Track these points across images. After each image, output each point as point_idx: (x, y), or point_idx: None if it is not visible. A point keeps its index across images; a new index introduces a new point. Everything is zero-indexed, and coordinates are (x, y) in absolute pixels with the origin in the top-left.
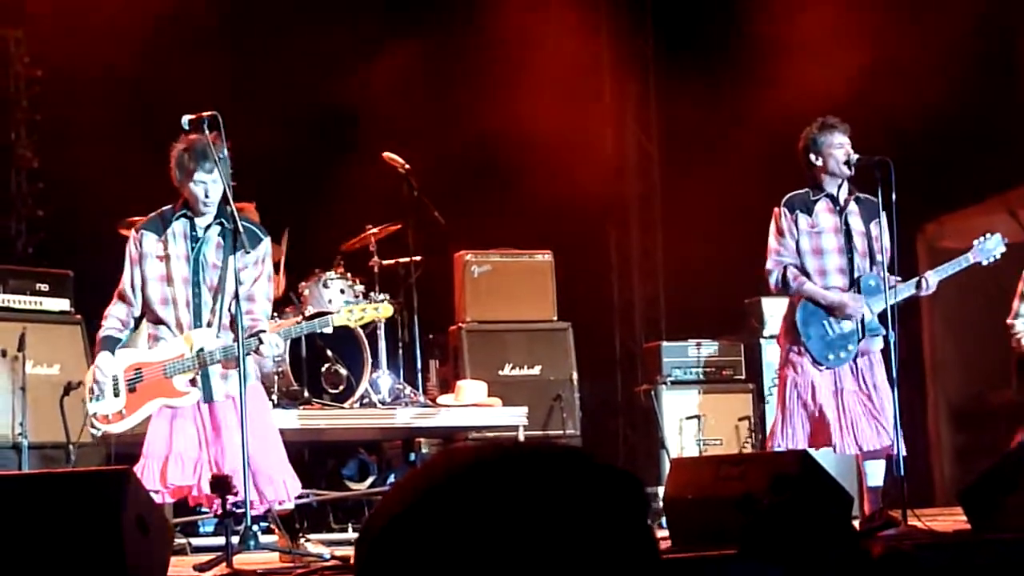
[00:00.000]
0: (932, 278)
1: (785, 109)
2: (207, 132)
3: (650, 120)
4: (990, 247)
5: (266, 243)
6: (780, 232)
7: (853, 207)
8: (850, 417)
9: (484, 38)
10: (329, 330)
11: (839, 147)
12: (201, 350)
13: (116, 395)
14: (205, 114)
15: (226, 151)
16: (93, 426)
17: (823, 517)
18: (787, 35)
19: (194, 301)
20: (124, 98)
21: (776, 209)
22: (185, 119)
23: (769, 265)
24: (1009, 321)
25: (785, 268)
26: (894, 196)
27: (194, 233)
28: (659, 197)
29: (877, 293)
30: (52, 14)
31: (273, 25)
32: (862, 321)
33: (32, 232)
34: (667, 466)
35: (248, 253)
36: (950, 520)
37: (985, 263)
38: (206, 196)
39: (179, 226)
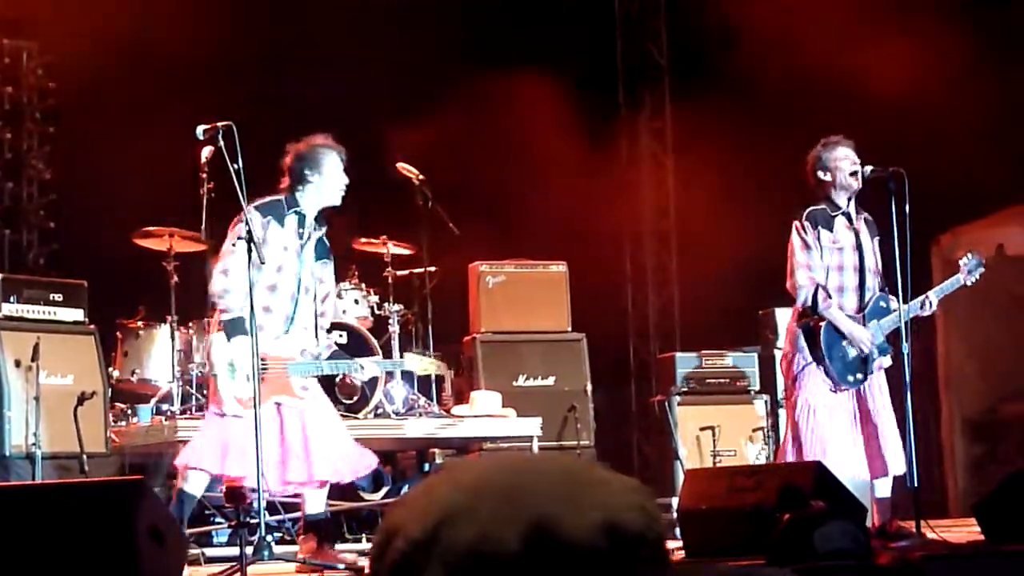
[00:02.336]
0: (933, 297)
1: (799, 122)
2: (221, 143)
3: (665, 131)
4: (973, 267)
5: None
6: (807, 246)
7: (861, 225)
8: (864, 440)
9: (500, 51)
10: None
11: (844, 159)
12: (318, 356)
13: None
14: (220, 124)
15: (240, 161)
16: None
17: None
18: (799, 50)
19: (295, 299)
20: (137, 110)
21: (796, 223)
22: (199, 129)
23: (801, 280)
24: None
25: (817, 288)
26: (907, 208)
27: (301, 230)
28: (673, 208)
29: (886, 314)
30: (66, 26)
31: (285, 41)
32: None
33: (44, 243)
34: (681, 477)
35: (327, 264)
36: (964, 532)
37: (970, 284)
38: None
39: (291, 220)
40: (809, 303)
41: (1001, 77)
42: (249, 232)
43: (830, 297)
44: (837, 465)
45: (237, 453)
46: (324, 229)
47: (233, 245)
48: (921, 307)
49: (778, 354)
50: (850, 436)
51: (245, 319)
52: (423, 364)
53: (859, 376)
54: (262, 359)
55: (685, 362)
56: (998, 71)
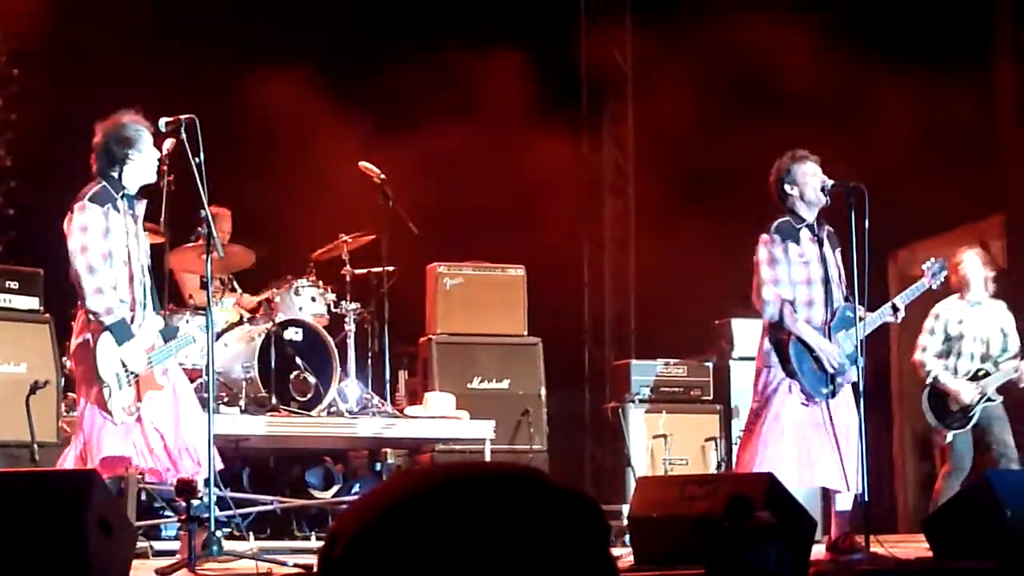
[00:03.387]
0: (899, 303)
1: (763, 132)
2: (183, 135)
3: (626, 137)
4: (937, 270)
5: None
6: (774, 260)
7: (824, 236)
8: (827, 453)
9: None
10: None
11: (813, 175)
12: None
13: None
14: (183, 117)
15: (202, 155)
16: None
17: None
18: (766, 60)
19: (143, 284)
20: (98, 97)
21: (764, 236)
22: (162, 121)
23: (767, 296)
24: (916, 358)
25: (783, 303)
26: (867, 222)
27: (132, 212)
28: (633, 215)
29: (853, 323)
30: (28, 12)
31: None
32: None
33: (1, 231)
34: (633, 484)
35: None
36: (912, 547)
37: (935, 287)
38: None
39: (122, 204)
40: (776, 318)
41: (956, 96)
42: (209, 226)
43: (796, 311)
44: (800, 478)
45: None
46: (144, 204)
47: (83, 241)
48: (893, 314)
49: (733, 364)
50: (824, 447)
51: (127, 320)
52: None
53: (831, 388)
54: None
55: (640, 369)
56: (953, 89)
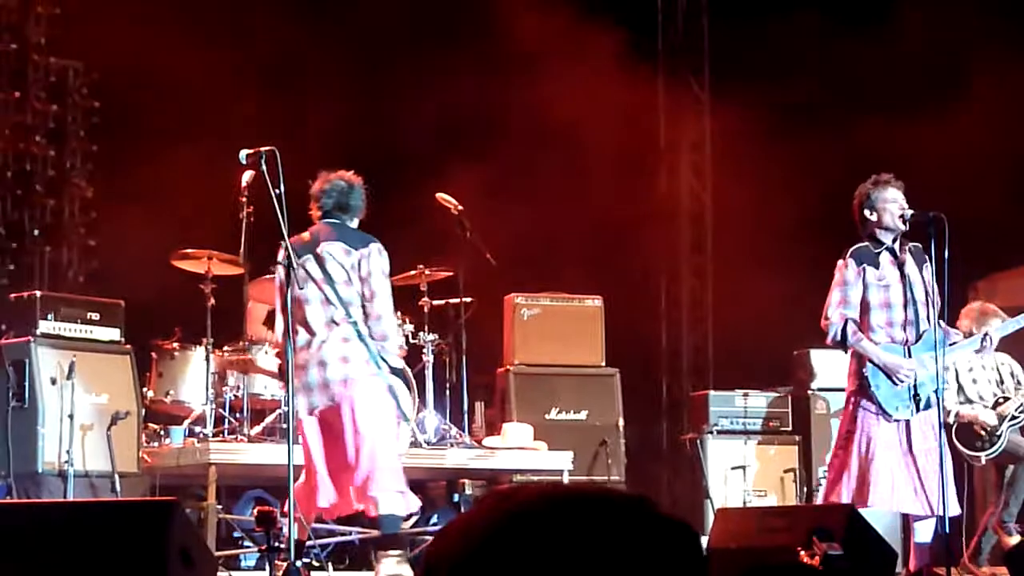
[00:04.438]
0: (995, 335)
1: (841, 161)
2: (263, 167)
3: (704, 168)
4: None
5: None
6: (846, 283)
7: (907, 256)
8: (909, 477)
9: (540, 85)
10: None
11: (893, 202)
12: None
13: None
14: (263, 149)
15: (283, 186)
16: None
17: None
18: (841, 89)
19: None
20: (180, 130)
21: (841, 260)
22: (243, 153)
23: (832, 317)
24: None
25: (847, 322)
26: (947, 253)
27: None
28: (711, 245)
29: (942, 346)
30: (111, 45)
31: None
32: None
33: (83, 261)
34: (711, 515)
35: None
36: None
37: None
38: None
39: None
40: (838, 337)
41: None
42: (290, 257)
43: (873, 333)
44: (886, 501)
45: None
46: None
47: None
48: (981, 346)
49: (812, 395)
50: (900, 472)
51: None
52: None
53: (910, 408)
54: None
55: (719, 400)
56: None
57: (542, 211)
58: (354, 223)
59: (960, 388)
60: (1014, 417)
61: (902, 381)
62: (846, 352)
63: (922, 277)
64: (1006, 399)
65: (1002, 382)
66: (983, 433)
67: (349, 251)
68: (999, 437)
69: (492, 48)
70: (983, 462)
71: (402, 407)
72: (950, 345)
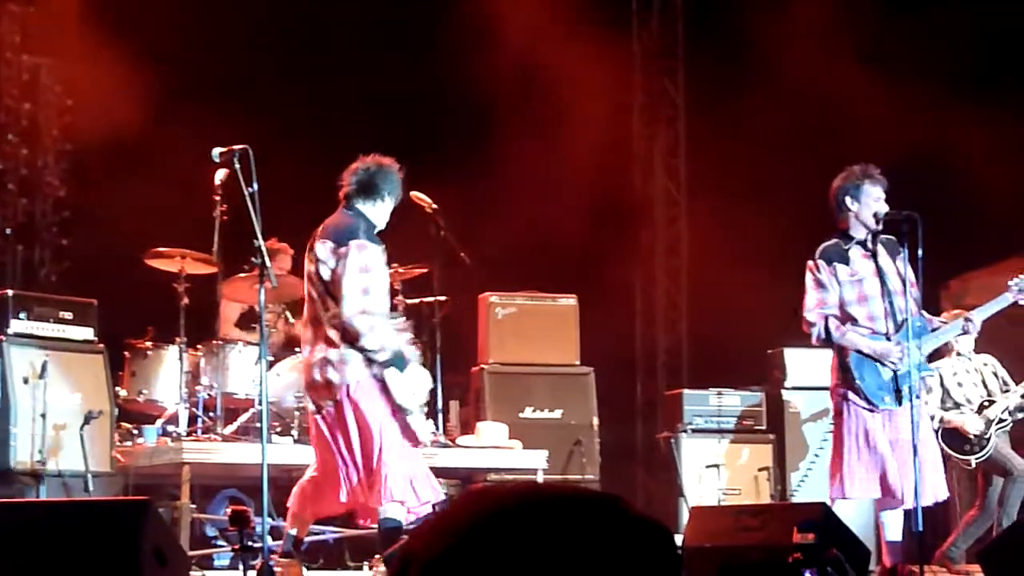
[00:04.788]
0: (976, 317)
1: (817, 160)
2: (237, 165)
3: (679, 168)
4: None
5: None
6: (820, 284)
7: (879, 248)
8: (904, 468)
9: (515, 86)
10: None
11: (876, 200)
12: None
13: None
14: (236, 147)
15: (255, 185)
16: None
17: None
18: (820, 88)
19: None
20: (153, 129)
21: (810, 262)
22: (216, 151)
23: (811, 318)
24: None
25: (827, 319)
26: (920, 252)
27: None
28: (686, 245)
29: (924, 333)
30: (84, 44)
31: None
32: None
33: (56, 260)
34: (685, 514)
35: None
36: None
37: (1022, 303)
38: None
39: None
40: (823, 335)
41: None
42: (262, 255)
43: (856, 327)
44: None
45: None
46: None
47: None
48: (964, 329)
49: (786, 394)
50: (891, 462)
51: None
52: None
53: (895, 397)
54: None
55: (693, 399)
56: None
57: (517, 210)
58: (379, 208)
59: (946, 393)
60: (1000, 420)
61: (894, 365)
62: (833, 349)
63: (896, 268)
64: (992, 402)
65: (987, 384)
66: (972, 437)
67: (335, 250)
68: (987, 440)
69: (469, 46)
70: (972, 466)
71: (400, 401)
72: (933, 331)
